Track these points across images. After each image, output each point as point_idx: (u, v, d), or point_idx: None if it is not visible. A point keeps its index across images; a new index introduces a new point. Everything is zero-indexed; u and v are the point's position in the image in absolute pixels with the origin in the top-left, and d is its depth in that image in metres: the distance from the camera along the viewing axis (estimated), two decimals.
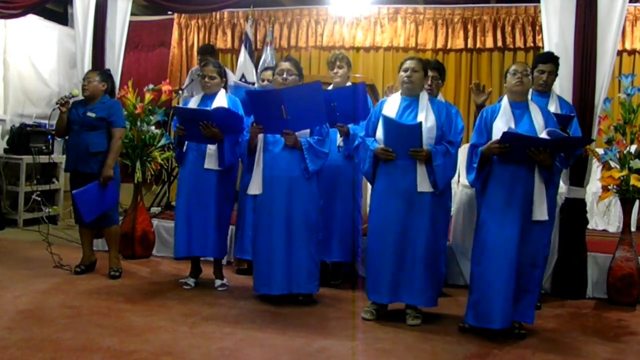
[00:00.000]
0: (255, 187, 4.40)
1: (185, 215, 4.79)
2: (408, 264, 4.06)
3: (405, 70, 4.17)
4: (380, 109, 4.23)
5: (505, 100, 4.06)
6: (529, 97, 4.45)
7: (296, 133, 4.30)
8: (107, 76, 5.16)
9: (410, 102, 4.18)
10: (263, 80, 5.32)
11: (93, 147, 4.92)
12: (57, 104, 5.00)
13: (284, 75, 4.43)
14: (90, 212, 4.89)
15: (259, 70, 7.43)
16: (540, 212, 3.87)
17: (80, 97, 5.10)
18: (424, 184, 4.05)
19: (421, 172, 4.05)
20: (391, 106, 4.20)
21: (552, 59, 4.62)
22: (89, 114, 4.95)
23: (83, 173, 4.93)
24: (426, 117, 4.08)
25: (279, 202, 4.35)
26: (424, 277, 4.06)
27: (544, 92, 4.60)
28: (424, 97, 4.19)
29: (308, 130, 4.39)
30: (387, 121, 4.08)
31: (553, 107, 4.55)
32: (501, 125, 3.92)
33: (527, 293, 3.92)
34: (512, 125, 3.89)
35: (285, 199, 4.34)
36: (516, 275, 3.84)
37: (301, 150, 4.33)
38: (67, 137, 5.26)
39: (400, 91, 4.26)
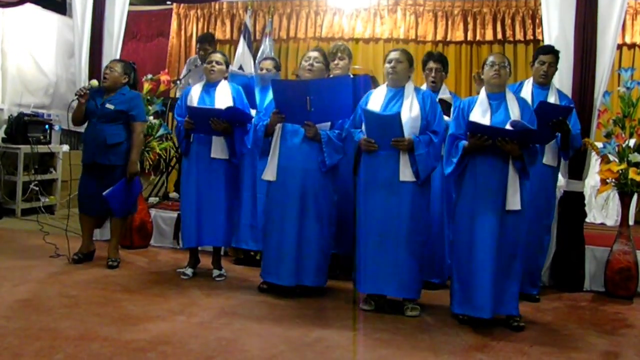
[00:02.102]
0: (269, 174, 4.40)
1: (195, 205, 4.78)
2: (392, 255, 4.07)
3: (390, 62, 4.20)
4: (367, 101, 4.24)
5: (482, 92, 4.10)
6: (530, 88, 4.48)
7: (317, 125, 4.29)
8: (130, 69, 5.11)
9: (396, 93, 4.20)
10: (262, 69, 5.30)
11: (110, 139, 4.90)
12: (76, 95, 4.96)
13: (311, 62, 4.43)
14: (121, 209, 5.02)
15: (257, 60, 7.41)
16: (514, 202, 3.89)
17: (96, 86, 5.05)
18: (406, 174, 4.05)
19: (403, 162, 4.06)
20: (377, 98, 4.22)
21: (553, 51, 4.66)
22: (108, 105, 4.92)
23: (101, 165, 4.93)
24: (410, 107, 4.11)
25: (293, 192, 4.34)
26: (406, 268, 4.07)
27: (545, 84, 4.62)
28: (409, 87, 4.21)
29: (329, 123, 4.37)
30: (367, 113, 4.12)
31: (552, 100, 4.56)
32: (477, 116, 3.97)
33: (508, 284, 3.93)
34: (489, 116, 3.95)
35: (299, 190, 4.33)
36: (498, 264, 3.87)
37: (320, 143, 4.32)
38: (80, 129, 5.25)
39: (386, 82, 4.28)
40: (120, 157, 4.96)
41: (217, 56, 4.87)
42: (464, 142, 3.95)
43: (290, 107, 4.27)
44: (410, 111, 4.09)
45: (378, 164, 4.11)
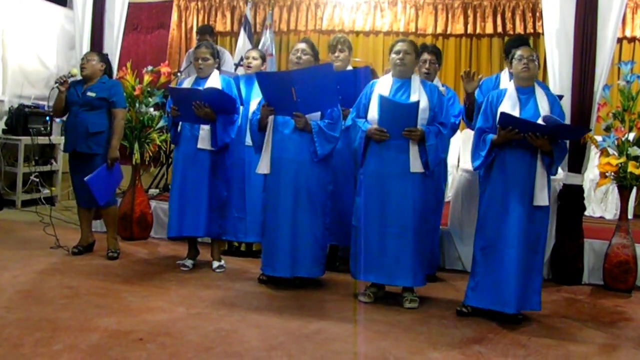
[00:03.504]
0: (263, 167, 4.41)
1: (178, 194, 4.81)
2: (397, 244, 4.08)
3: (398, 53, 4.17)
4: (371, 91, 4.22)
5: (511, 85, 4.06)
6: (508, 79, 4.46)
7: (307, 116, 4.28)
8: (105, 59, 5.15)
9: (402, 83, 4.19)
10: (247, 58, 5.25)
11: (92, 127, 4.91)
12: (56, 83, 4.98)
13: (299, 54, 4.44)
14: (104, 195, 4.96)
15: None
16: (542, 198, 3.88)
17: (79, 77, 5.08)
18: (416, 165, 4.07)
19: (414, 153, 4.07)
20: (383, 88, 4.20)
21: (526, 42, 4.67)
22: (89, 93, 4.93)
23: (81, 153, 4.93)
24: (419, 99, 4.09)
25: (286, 184, 4.35)
26: (415, 257, 4.09)
27: None
28: (415, 79, 4.21)
29: (319, 113, 4.37)
30: (384, 100, 4.08)
31: None
32: (506, 110, 3.91)
33: (530, 279, 3.91)
34: (518, 110, 3.91)
35: (293, 182, 4.34)
36: (523, 258, 3.86)
37: (311, 133, 4.32)
38: (64, 118, 5.25)
39: (391, 73, 4.26)
40: (101, 145, 4.95)
41: (202, 52, 4.82)
42: (492, 136, 3.92)
43: (277, 99, 4.27)
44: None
45: (388, 154, 4.11)
